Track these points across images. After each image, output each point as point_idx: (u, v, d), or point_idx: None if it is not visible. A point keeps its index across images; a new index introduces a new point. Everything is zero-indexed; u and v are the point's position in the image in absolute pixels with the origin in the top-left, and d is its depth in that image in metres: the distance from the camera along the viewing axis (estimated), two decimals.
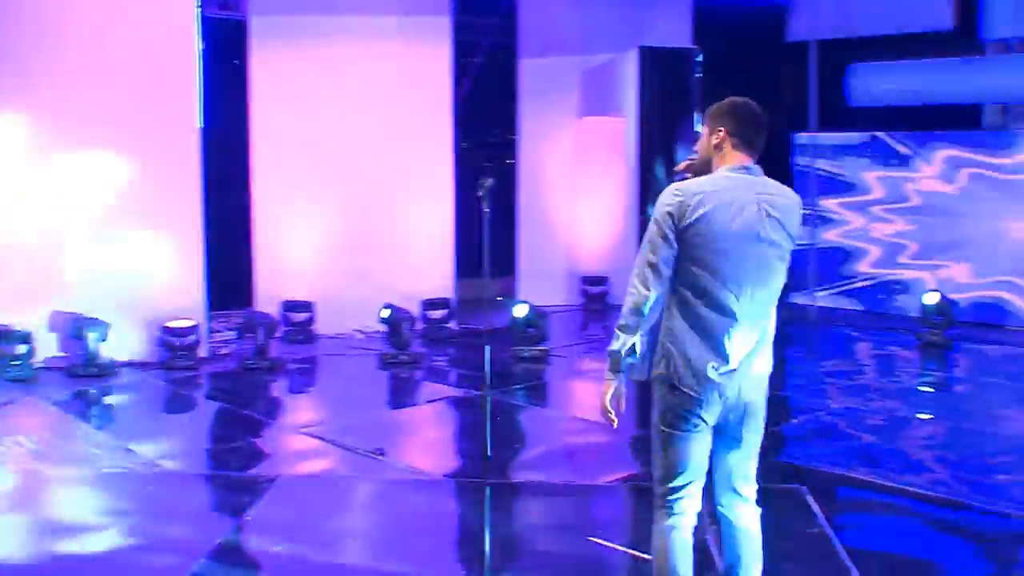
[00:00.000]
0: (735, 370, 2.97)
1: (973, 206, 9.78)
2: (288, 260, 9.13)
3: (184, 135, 7.98)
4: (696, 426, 3.02)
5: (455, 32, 9.40)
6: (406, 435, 6.53)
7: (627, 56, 7.97)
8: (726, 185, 3.04)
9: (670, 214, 2.97)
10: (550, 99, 10.36)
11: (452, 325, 9.46)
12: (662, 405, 3.05)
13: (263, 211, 9.06)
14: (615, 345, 3.00)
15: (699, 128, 3.23)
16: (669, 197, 3.02)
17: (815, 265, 10.68)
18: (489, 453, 5.27)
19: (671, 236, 2.96)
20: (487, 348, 5.25)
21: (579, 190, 10.51)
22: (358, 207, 9.26)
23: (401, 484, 5.27)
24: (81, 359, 7.60)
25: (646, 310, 2.96)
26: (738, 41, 10.46)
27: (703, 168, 3.21)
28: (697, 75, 8.07)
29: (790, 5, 10.94)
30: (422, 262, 9.47)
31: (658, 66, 7.77)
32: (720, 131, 3.14)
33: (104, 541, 4.40)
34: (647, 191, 7.71)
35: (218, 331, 8.88)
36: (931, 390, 7.61)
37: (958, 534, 4.49)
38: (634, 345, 2.98)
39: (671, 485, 3.09)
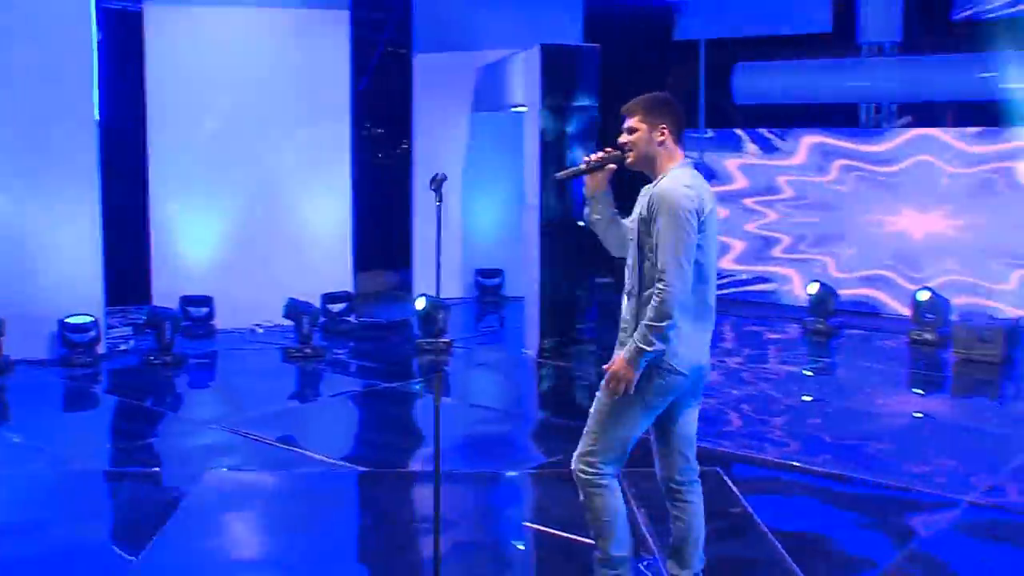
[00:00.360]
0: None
1: (848, 199, 10.37)
2: (186, 254, 9.05)
3: (81, 128, 7.85)
4: (666, 404, 3.33)
5: (352, 27, 9.46)
6: (315, 427, 6.61)
7: (529, 53, 8.15)
8: (702, 182, 3.32)
9: (695, 212, 3.20)
10: (445, 94, 10.55)
11: (352, 318, 9.53)
12: (649, 384, 3.28)
13: (160, 205, 8.96)
14: (661, 344, 3.20)
15: (632, 123, 3.36)
16: (686, 198, 3.20)
17: None
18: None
19: (695, 234, 3.21)
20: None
21: (473, 184, 10.75)
22: (257, 201, 9.23)
23: (318, 476, 5.37)
24: None
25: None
26: (628, 39, 10.80)
27: (643, 164, 3.39)
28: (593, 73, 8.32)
29: (679, 4, 11.35)
30: (322, 255, 9.51)
31: (561, 63, 7.99)
32: (663, 128, 3.35)
33: (29, 544, 4.39)
34: (546, 185, 7.93)
35: (115, 327, 8.77)
36: (814, 374, 8.09)
37: (859, 508, 4.86)
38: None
39: (621, 453, 3.39)
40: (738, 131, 11.05)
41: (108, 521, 4.87)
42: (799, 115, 10.86)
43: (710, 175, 10.86)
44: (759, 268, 10.94)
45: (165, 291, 8.83)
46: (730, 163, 11.05)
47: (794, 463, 5.50)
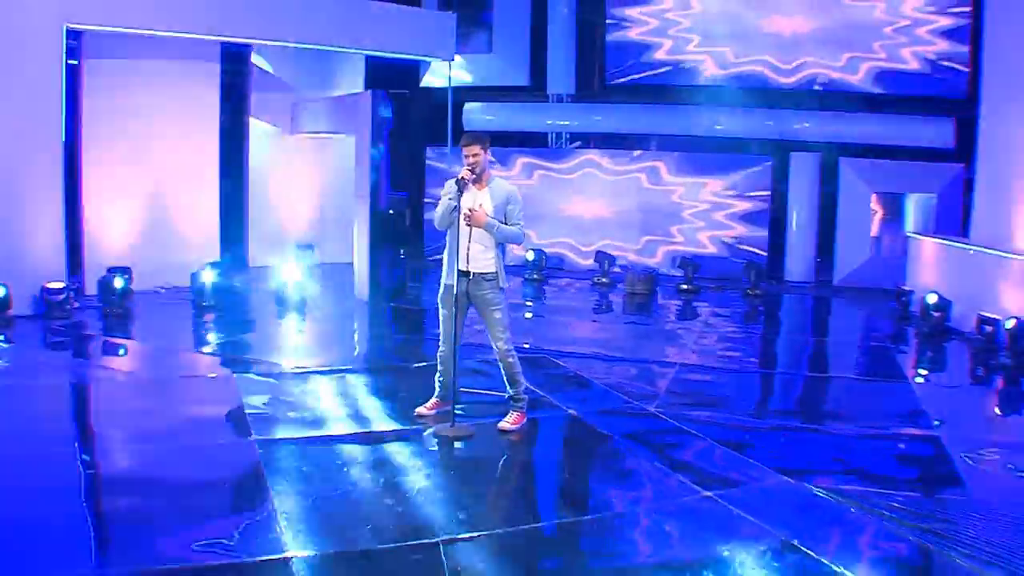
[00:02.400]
0: None
1: (543, 195, 15.68)
2: (109, 235, 12.28)
3: (52, 147, 10.92)
4: None
5: (222, 75, 13.17)
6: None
7: (363, 95, 12.46)
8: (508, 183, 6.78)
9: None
10: (273, 121, 14.54)
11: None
12: (503, 294, 6.61)
13: (92, 198, 12.05)
14: (511, 240, 6.61)
15: (475, 151, 6.38)
16: (517, 191, 6.56)
17: None
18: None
19: None
20: None
21: (291, 184, 14.81)
22: (159, 195, 12.67)
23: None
24: None
25: None
26: (393, 84, 15.28)
27: (481, 175, 6.37)
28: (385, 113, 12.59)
29: (423, 64, 16.06)
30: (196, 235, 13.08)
31: (387, 103, 12.31)
32: (488, 151, 6.43)
33: None
34: (377, 188, 12.21)
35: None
36: (533, 304, 13.17)
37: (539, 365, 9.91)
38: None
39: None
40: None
41: None
42: (508, 138, 16.00)
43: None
44: None
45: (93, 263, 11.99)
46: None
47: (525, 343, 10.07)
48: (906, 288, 12.72)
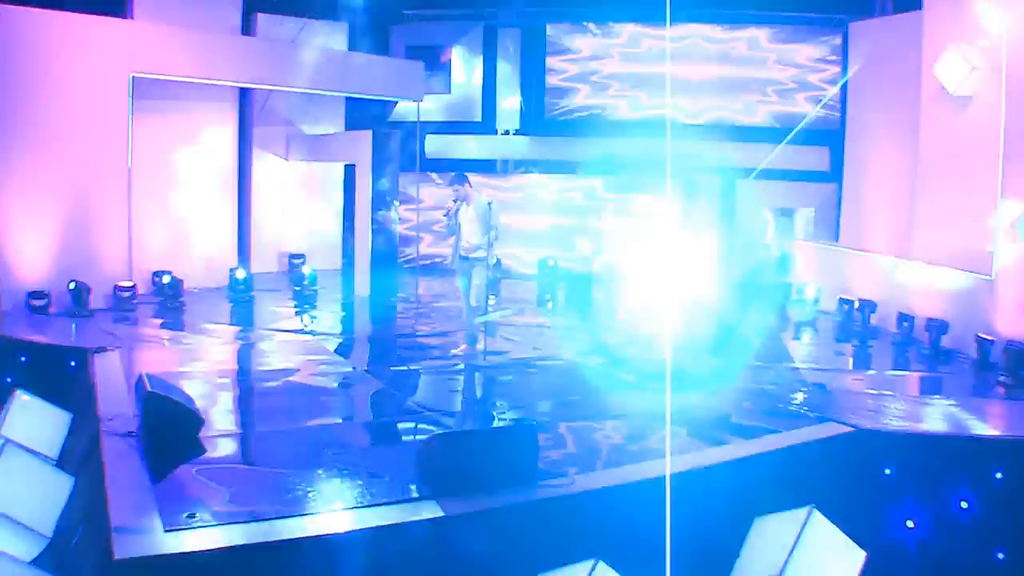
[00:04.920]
0: None
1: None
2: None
3: (120, 175, 13.58)
4: None
5: (240, 112, 16.04)
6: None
7: (363, 133, 15.43)
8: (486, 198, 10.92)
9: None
10: (279, 152, 17.44)
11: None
12: (485, 268, 10.81)
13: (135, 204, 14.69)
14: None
15: (460, 189, 10.65)
16: (488, 205, 10.58)
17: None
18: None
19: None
20: None
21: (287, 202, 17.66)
22: (187, 212, 15.39)
23: None
24: None
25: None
26: (367, 122, 18.26)
27: (467, 200, 10.59)
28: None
29: (390, 104, 19.06)
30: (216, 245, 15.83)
31: (382, 141, 15.28)
32: (469, 186, 10.68)
33: None
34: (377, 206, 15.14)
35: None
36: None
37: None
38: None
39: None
40: (431, 174, 19.00)
41: None
42: (459, 165, 19.06)
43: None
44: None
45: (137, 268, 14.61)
46: (424, 191, 19.01)
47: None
48: (787, 281, 16.32)
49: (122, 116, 13.41)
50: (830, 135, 18.35)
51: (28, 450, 6.85)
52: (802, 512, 5.91)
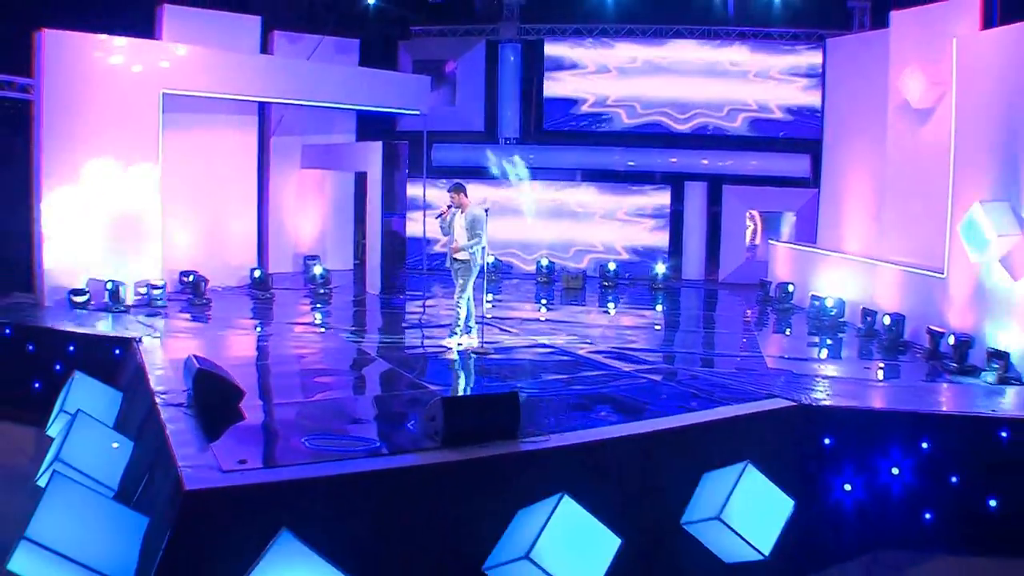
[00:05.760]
0: None
1: (496, 216, 20.02)
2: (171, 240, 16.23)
3: (152, 184, 14.86)
4: None
5: (260, 123, 17.36)
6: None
7: (374, 144, 16.69)
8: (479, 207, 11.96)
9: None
10: (295, 161, 18.76)
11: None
12: (471, 271, 11.77)
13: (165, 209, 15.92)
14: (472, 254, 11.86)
15: (459, 194, 11.60)
16: (481, 215, 11.60)
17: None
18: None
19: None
20: None
21: (297, 207, 18.94)
22: (214, 217, 16.70)
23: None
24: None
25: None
26: (380, 133, 19.52)
27: (461, 207, 11.46)
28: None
29: (398, 115, 20.31)
30: (240, 247, 17.12)
31: (392, 151, 16.55)
32: (464, 194, 11.59)
33: None
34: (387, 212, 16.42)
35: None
36: (492, 295, 17.55)
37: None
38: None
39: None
40: (440, 182, 20.25)
41: None
42: (462, 172, 20.34)
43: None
44: None
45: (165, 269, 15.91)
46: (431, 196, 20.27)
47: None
48: (768, 280, 17.54)
49: (153, 129, 14.71)
50: (811, 143, 19.56)
51: (95, 419, 8.10)
52: (739, 466, 7.15)
